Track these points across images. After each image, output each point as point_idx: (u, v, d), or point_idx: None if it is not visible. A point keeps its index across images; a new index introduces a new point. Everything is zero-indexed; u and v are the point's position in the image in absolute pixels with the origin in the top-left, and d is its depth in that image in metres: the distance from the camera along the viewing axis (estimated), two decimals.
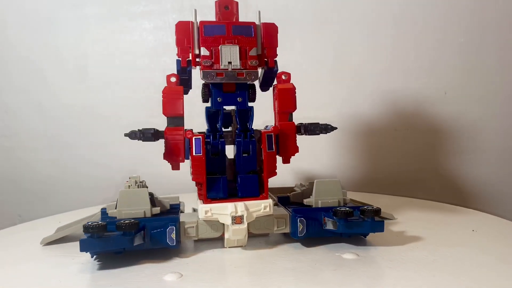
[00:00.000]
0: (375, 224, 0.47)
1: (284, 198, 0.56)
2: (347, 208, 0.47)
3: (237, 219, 0.46)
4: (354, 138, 0.86)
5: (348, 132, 0.86)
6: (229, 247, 0.49)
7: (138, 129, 0.49)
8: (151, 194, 0.50)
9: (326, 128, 0.52)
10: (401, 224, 0.58)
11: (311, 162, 0.87)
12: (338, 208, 0.47)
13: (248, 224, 0.47)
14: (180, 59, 0.49)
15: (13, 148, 0.98)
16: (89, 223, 0.42)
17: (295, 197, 0.54)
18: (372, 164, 0.86)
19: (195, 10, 0.50)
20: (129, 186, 0.52)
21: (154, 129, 0.49)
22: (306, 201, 0.52)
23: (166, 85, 0.49)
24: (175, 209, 0.53)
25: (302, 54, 0.86)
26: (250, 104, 0.51)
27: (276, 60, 0.51)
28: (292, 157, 0.51)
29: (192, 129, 0.49)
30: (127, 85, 0.92)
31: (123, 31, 0.91)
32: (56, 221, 0.62)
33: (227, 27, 0.49)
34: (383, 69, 0.83)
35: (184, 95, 0.51)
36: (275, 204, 0.58)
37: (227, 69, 0.48)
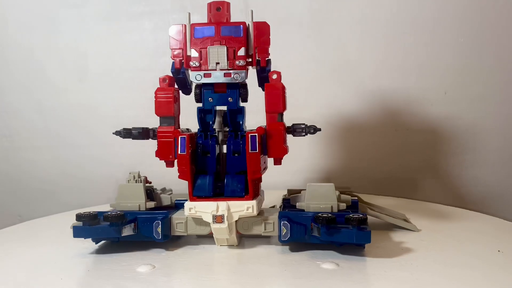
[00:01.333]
0: (361, 234, 0.43)
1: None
2: (329, 214, 0.44)
3: (217, 218, 0.47)
4: (353, 138, 0.86)
5: (348, 132, 0.86)
6: (220, 246, 0.50)
7: (124, 128, 0.53)
8: (150, 189, 0.54)
9: (310, 129, 0.51)
10: (402, 232, 0.55)
11: (323, 163, 0.87)
12: (320, 214, 0.44)
13: (236, 224, 0.48)
14: (174, 61, 0.52)
15: (13, 148, 0.98)
16: (82, 213, 0.47)
17: (294, 200, 0.53)
18: (372, 165, 0.86)
19: (189, 14, 0.52)
20: (128, 181, 0.54)
21: (142, 127, 0.52)
22: (298, 205, 0.50)
23: (159, 86, 0.51)
24: (181, 205, 0.54)
25: (302, 54, 0.86)
26: (242, 104, 0.52)
27: (269, 60, 0.50)
28: (286, 158, 0.51)
29: (179, 129, 0.51)
30: (127, 85, 0.92)
31: (123, 31, 0.91)
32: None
33: (216, 28, 0.50)
34: (383, 69, 0.83)
35: (186, 95, 0.53)
36: (273, 206, 0.58)
37: (215, 69, 0.49)
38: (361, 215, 0.44)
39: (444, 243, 0.50)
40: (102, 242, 0.52)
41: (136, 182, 0.54)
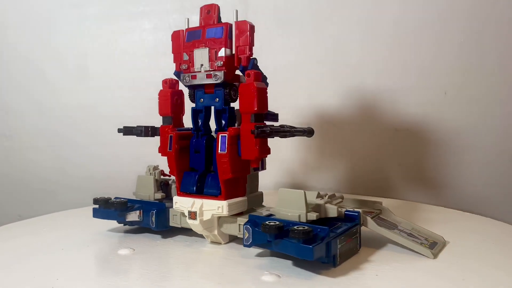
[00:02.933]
0: (302, 248, 0.39)
1: None
2: (277, 223, 0.42)
3: (192, 214, 0.49)
4: (354, 138, 0.86)
5: (347, 132, 0.86)
6: (211, 242, 0.52)
7: (124, 126, 0.58)
8: (164, 182, 0.58)
9: (294, 132, 0.48)
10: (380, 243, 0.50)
11: (328, 163, 0.87)
12: (267, 222, 0.42)
13: (219, 223, 0.50)
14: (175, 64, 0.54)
15: (13, 148, 0.98)
16: (97, 197, 0.56)
17: None
18: (372, 165, 0.86)
19: (187, 19, 0.54)
20: (145, 173, 0.59)
21: (144, 126, 0.56)
22: (271, 210, 0.48)
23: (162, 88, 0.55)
24: None
25: (302, 54, 0.86)
26: (232, 104, 0.52)
27: (253, 59, 0.50)
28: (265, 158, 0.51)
29: (177, 128, 0.54)
30: (127, 85, 0.92)
31: (123, 31, 0.91)
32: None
33: (203, 31, 0.51)
34: (383, 69, 0.83)
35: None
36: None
37: (200, 71, 0.51)
38: (306, 227, 0.40)
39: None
40: (121, 225, 0.58)
41: (150, 174, 0.58)
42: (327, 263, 0.42)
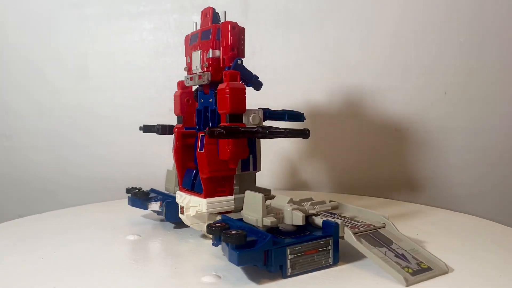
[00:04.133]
0: (230, 253, 0.38)
1: None
2: (218, 224, 0.42)
3: (181, 209, 0.52)
4: (354, 138, 0.86)
5: (347, 132, 0.86)
6: (201, 236, 0.54)
7: (144, 125, 0.63)
8: None
9: (271, 133, 0.47)
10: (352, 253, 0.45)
11: (328, 163, 0.87)
12: (211, 223, 0.42)
13: (209, 219, 0.51)
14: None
15: (13, 148, 0.98)
16: (130, 187, 0.63)
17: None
18: (372, 165, 0.86)
19: (196, 24, 0.55)
20: (172, 167, 0.63)
21: (161, 125, 0.62)
22: (241, 212, 0.47)
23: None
24: None
25: (302, 54, 0.86)
26: None
27: (237, 59, 0.50)
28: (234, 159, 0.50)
29: (183, 127, 0.56)
30: (127, 85, 0.92)
31: (123, 31, 0.91)
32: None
33: (199, 34, 0.53)
34: (383, 69, 0.83)
35: None
36: None
37: (196, 73, 0.53)
38: (239, 232, 0.38)
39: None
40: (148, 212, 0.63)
41: (173, 170, 0.63)
42: (273, 272, 0.40)
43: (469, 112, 0.82)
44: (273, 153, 0.85)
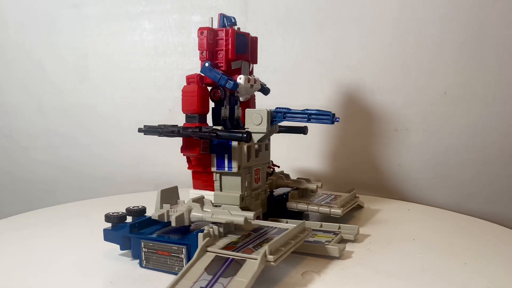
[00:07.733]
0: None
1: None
2: (119, 213, 0.47)
3: None
4: (354, 138, 0.86)
5: (347, 132, 0.86)
6: None
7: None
8: None
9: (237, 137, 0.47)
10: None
11: (326, 162, 0.88)
12: (109, 212, 0.47)
13: None
14: None
15: (13, 148, 0.98)
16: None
17: None
18: (371, 165, 0.86)
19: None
20: None
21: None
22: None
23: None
24: None
25: (302, 54, 0.86)
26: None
27: (206, 62, 0.52)
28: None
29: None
30: (127, 85, 0.92)
31: (123, 31, 0.92)
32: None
33: None
34: (383, 68, 0.83)
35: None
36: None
37: None
38: (121, 213, 0.46)
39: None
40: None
41: None
42: (135, 258, 0.45)
43: (469, 112, 0.82)
44: (273, 153, 0.85)
